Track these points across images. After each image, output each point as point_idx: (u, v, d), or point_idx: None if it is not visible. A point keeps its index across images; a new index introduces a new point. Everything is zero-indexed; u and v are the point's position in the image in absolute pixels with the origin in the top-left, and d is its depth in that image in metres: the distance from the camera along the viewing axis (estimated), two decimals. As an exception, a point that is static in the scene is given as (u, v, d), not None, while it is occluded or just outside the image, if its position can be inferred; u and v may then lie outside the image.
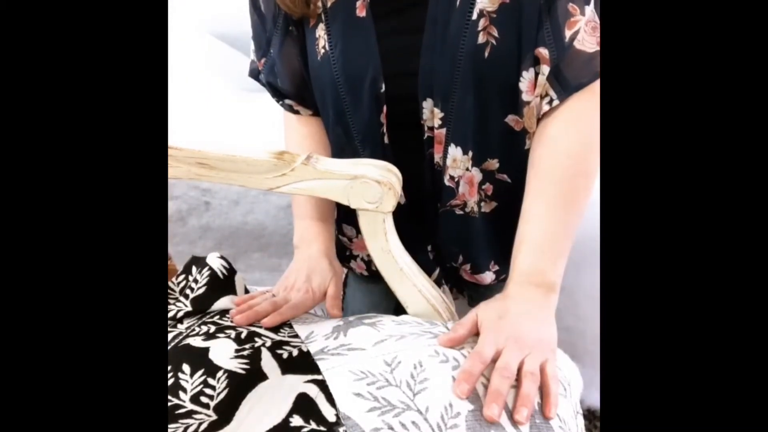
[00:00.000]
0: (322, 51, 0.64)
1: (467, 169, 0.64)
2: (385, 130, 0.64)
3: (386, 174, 0.54)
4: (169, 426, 0.42)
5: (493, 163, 0.65)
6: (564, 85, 0.56)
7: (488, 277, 0.75)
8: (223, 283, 0.62)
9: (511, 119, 0.61)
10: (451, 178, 0.65)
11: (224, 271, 0.63)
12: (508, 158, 0.64)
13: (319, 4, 0.63)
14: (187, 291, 0.62)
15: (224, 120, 1.25)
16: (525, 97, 0.58)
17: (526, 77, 0.57)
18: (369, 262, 0.81)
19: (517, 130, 0.62)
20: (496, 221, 0.69)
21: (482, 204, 0.68)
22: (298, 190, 0.54)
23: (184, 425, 0.42)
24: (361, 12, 0.61)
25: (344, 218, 0.78)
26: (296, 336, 0.53)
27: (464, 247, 0.72)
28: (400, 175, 0.56)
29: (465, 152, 0.63)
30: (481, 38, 0.56)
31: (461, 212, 0.68)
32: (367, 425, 0.41)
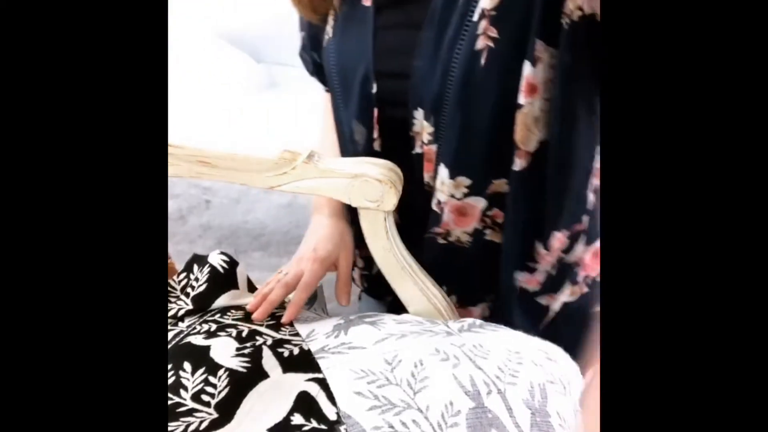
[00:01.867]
0: (326, 38, 0.60)
1: (452, 196, 0.55)
2: (376, 136, 0.58)
3: (387, 172, 0.54)
4: (170, 424, 0.42)
5: (501, 184, 0.55)
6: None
7: (478, 311, 0.64)
8: (223, 278, 0.62)
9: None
10: (438, 202, 0.57)
11: (224, 266, 0.63)
12: (517, 177, 0.54)
13: None
14: (188, 289, 0.62)
15: (226, 119, 1.25)
16: (521, 99, 0.49)
17: (526, 71, 0.48)
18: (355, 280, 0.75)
19: (521, 147, 0.52)
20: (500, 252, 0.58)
21: (486, 233, 0.59)
22: (299, 188, 0.54)
23: (185, 423, 0.42)
24: (366, 1, 0.56)
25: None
26: (297, 334, 0.53)
27: (448, 279, 0.61)
28: (401, 173, 0.56)
29: (452, 176, 0.54)
30: (480, 43, 0.48)
31: (443, 241, 0.59)
32: (367, 424, 0.41)
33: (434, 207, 0.58)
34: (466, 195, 0.56)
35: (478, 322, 0.55)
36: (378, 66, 0.55)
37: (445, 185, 0.55)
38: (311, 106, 1.30)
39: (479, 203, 0.56)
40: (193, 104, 1.26)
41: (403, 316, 0.57)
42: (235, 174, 0.53)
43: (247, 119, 1.24)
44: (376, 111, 0.56)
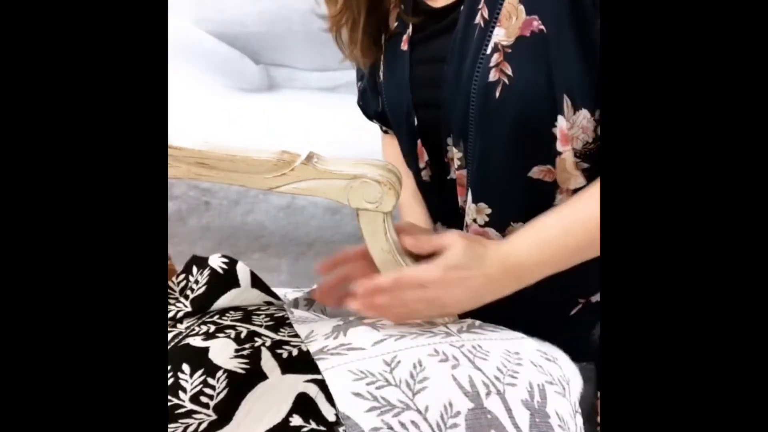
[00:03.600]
0: (379, 80, 0.66)
1: (475, 221, 0.58)
2: (423, 166, 0.62)
3: (386, 174, 0.54)
4: (169, 426, 0.42)
5: (518, 228, 0.56)
6: None
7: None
8: (224, 279, 0.62)
9: (537, 171, 0.53)
10: (466, 225, 0.60)
11: (224, 267, 0.63)
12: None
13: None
14: (188, 291, 0.62)
15: (224, 120, 1.25)
16: (558, 146, 0.51)
17: (559, 124, 0.50)
18: None
19: (547, 180, 0.54)
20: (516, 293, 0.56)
21: None
22: (298, 189, 0.54)
23: (184, 425, 0.42)
24: (404, 45, 0.61)
25: None
26: (296, 335, 0.53)
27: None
28: (401, 174, 0.56)
29: (475, 201, 0.57)
30: (492, 75, 0.50)
31: None
32: (366, 425, 0.41)
33: (465, 230, 0.61)
34: (486, 224, 0.58)
35: (477, 322, 0.55)
36: (415, 98, 0.59)
37: (470, 209, 0.58)
38: (309, 107, 1.30)
39: (497, 238, 0.58)
40: (192, 105, 1.26)
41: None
42: (234, 175, 0.53)
43: (246, 121, 1.24)
44: (419, 142, 0.61)
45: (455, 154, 0.57)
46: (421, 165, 0.62)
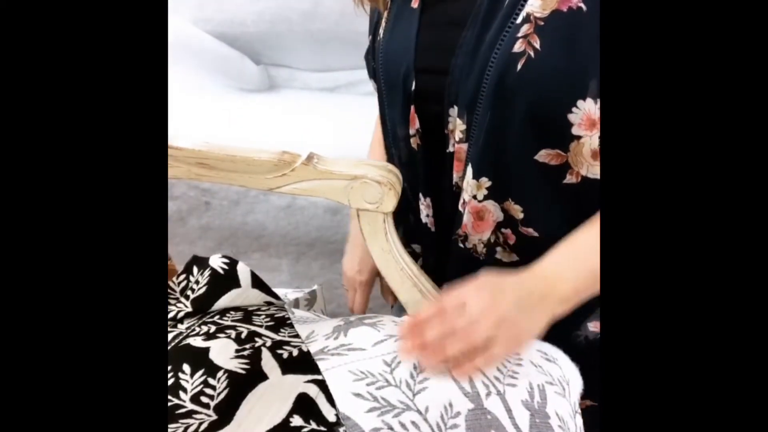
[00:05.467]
0: (379, 38, 0.60)
1: (474, 197, 0.55)
2: (413, 132, 0.58)
3: (387, 174, 0.54)
4: (170, 426, 0.42)
5: (516, 210, 0.54)
6: None
7: None
8: (224, 279, 0.62)
9: (544, 155, 0.51)
10: (463, 202, 0.57)
11: (225, 267, 0.63)
12: (534, 206, 0.54)
13: None
14: (188, 292, 0.62)
15: (224, 120, 1.25)
16: (576, 130, 0.48)
17: (584, 108, 0.46)
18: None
19: (553, 164, 0.51)
20: None
21: (497, 250, 0.58)
22: (299, 190, 0.54)
23: (185, 425, 0.42)
24: (414, 3, 0.56)
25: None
26: (297, 336, 0.53)
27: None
28: (400, 175, 0.56)
29: (476, 176, 0.54)
30: (518, 46, 0.47)
31: (462, 246, 0.60)
32: (366, 425, 0.41)
33: (459, 207, 0.58)
34: (485, 197, 0.55)
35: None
36: (418, 62, 0.55)
37: (469, 185, 0.55)
38: (309, 108, 1.30)
39: (496, 211, 0.55)
40: (192, 106, 1.26)
41: (403, 317, 0.57)
42: (234, 176, 0.53)
43: (246, 121, 1.24)
44: (412, 108, 0.56)
45: (458, 126, 0.53)
46: (411, 131, 0.58)
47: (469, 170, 0.54)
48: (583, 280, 0.48)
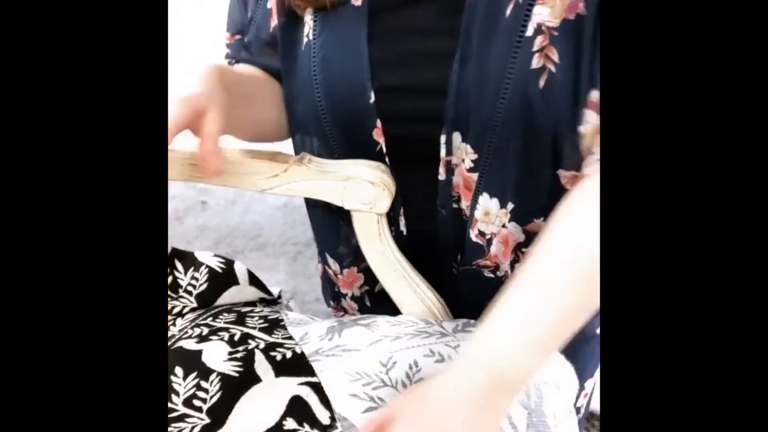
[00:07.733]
0: (305, 40, 0.53)
1: (503, 226, 0.50)
2: (384, 151, 0.52)
3: (380, 175, 0.53)
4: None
5: (541, 226, 0.50)
6: None
7: None
8: (223, 276, 0.62)
9: (563, 174, 0.47)
10: (481, 233, 0.51)
11: (222, 266, 0.62)
12: None
13: None
14: (189, 288, 0.62)
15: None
16: (590, 115, 0.44)
17: (590, 120, 0.43)
18: (361, 299, 0.65)
19: (569, 188, 0.47)
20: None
21: (516, 267, 0.53)
22: (292, 191, 0.54)
23: (177, 429, 0.42)
24: (356, 1, 0.49)
25: (327, 248, 0.62)
26: (290, 337, 0.53)
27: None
28: (392, 177, 0.55)
29: (503, 205, 0.49)
30: (536, 61, 0.43)
31: (491, 275, 0.54)
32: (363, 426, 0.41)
33: (474, 238, 0.52)
34: (509, 220, 0.51)
35: (472, 321, 0.55)
36: (376, 78, 0.49)
37: (491, 215, 0.50)
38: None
39: (517, 233, 0.51)
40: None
41: (397, 317, 0.57)
42: (227, 177, 0.53)
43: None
44: (379, 123, 0.50)
45: (468, 155, 0.48)
46: (381, 150, 0.52)
47: (486, 200, 0.49)
48: (536, 355, 0.41)
